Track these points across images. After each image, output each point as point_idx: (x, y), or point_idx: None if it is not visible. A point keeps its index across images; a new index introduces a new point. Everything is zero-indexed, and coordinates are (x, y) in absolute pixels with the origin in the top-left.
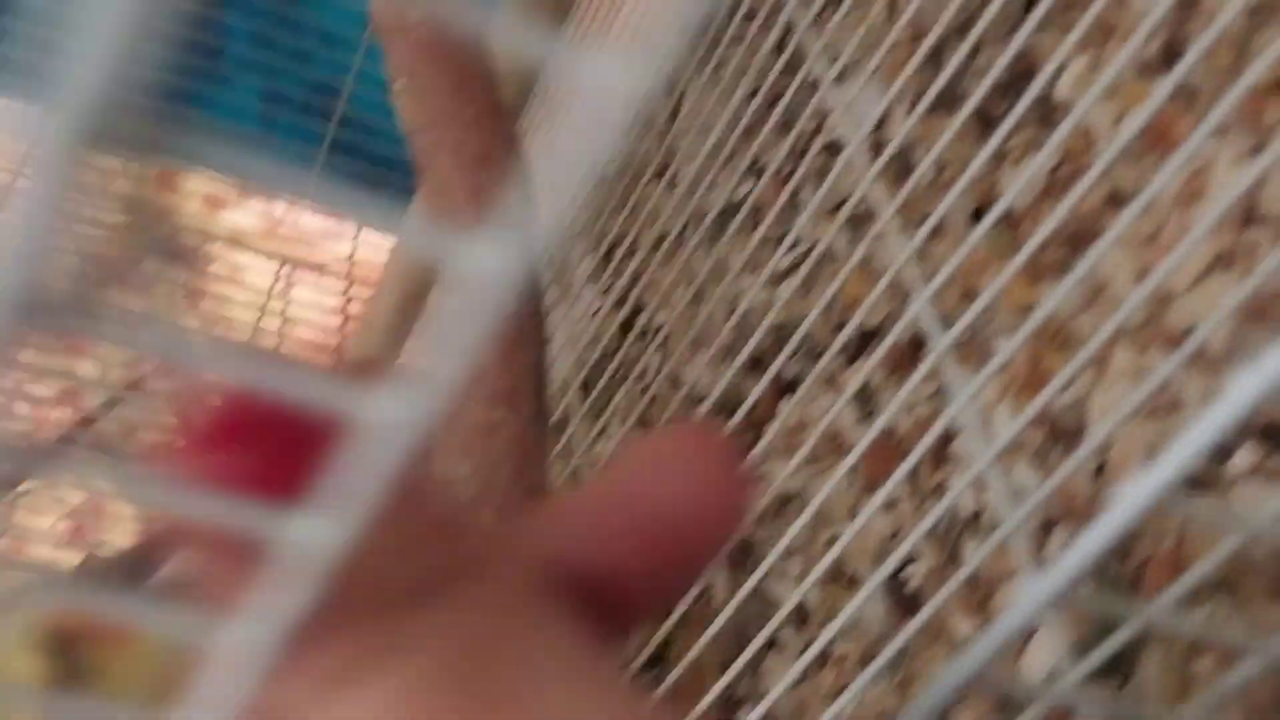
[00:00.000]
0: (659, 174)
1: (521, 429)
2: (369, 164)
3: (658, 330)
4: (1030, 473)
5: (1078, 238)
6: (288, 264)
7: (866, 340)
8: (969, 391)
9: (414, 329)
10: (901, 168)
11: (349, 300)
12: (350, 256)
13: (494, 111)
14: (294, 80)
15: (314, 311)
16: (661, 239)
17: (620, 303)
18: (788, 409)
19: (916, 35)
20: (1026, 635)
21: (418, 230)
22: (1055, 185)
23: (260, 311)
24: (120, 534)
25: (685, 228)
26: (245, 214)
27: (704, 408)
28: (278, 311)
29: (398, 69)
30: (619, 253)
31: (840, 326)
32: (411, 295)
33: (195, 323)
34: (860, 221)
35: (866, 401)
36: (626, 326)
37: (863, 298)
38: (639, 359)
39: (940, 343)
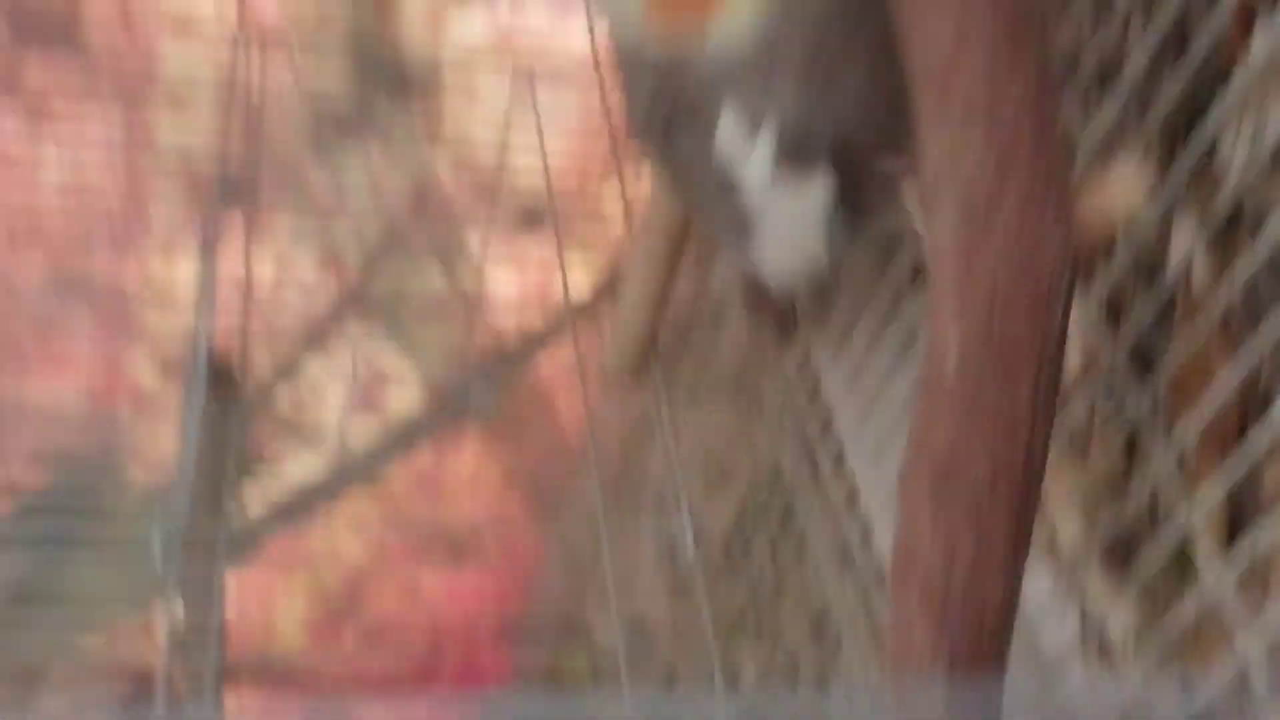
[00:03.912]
0: None
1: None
2: None
3: None
4: None
5: None
6: (525, 73)
7: None
8: None
9: None
10: None
11: (604, 101)
12: (593, 56)
13: None
14: None
15: (564, 118)
16: None
17: None
18: None
19: None
20: None
21: None
22: None
23: (505, 127)
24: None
25: None
26: (471, 26)
27: None
28: (528, 125)
29: None
30: None
31: None
32: None
33: (438, 150)
34: None
35: None
36: None
37: None
38: None
39: None
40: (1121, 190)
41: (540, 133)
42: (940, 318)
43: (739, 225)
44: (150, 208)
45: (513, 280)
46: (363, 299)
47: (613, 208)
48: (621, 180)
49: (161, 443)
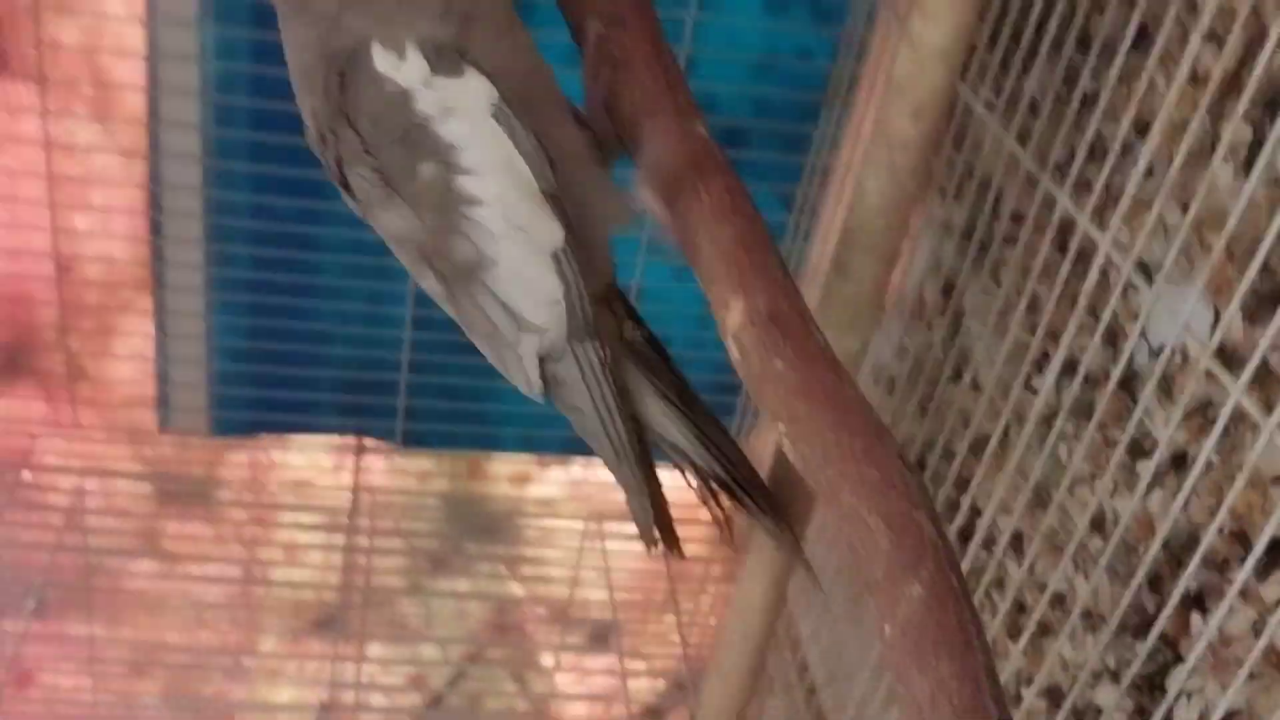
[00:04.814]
0: (956, 374)
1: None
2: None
3: (1017, 537)
4: None
5: None
6: (594, 519)
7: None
8: None
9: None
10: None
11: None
12: None
13: (880, 436)
14: None
15: (629, 558)
16: (980, 442)
17: (952, 508)
18: (1202, 626)
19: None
20: None
21: None
22: None
23: (576, 568)
24: None
25: (1007, 430)
26: (549, 483)
27: (1105, 630)
28: (596, 565)
29: (775, 413)
30: (932, 458)
31: (1238, 536)
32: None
33: (517, 584)
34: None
35: None
36: (965, 534)
37: (1256, 504)
38: (987, 568)
39: None
40: None
41: (607, 569)
42: None
43: None
44: (259, 638)
45: (581, 692)
46: (444, 708)
47: (672, 631)
48: (677, 609)
49: None
